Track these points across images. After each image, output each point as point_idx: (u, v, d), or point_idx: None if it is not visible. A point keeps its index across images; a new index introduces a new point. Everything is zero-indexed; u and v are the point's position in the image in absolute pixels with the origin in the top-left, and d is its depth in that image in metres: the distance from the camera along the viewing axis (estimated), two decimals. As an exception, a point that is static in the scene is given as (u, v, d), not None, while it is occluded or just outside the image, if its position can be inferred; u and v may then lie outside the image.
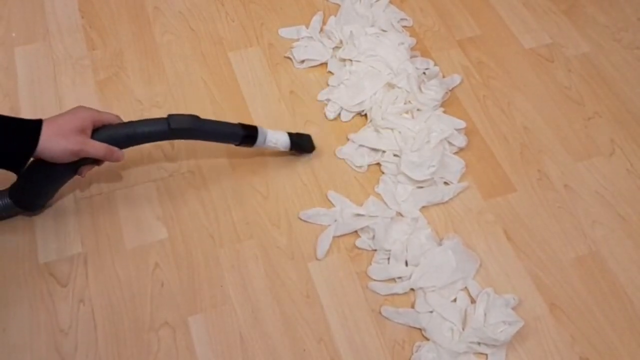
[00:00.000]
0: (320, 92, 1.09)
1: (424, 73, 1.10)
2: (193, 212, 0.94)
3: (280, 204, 0.96)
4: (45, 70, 1.09)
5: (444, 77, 1.13)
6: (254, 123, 1.04)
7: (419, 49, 1.17)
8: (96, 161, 0.85)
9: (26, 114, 1.02)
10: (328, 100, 1.08)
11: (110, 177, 0.97)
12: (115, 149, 0.83)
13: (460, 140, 1.03)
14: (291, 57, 1.14)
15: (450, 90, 1.11)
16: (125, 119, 0.85)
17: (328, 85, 1.10)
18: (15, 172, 0.79)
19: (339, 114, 1.07)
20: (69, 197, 0.94)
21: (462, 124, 1.05)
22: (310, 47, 1.14)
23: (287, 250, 0.92)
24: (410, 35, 1.18)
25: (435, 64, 1.14)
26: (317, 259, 0.90)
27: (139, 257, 0.89)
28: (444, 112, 1.07)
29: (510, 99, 1.12)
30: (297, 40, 1.16)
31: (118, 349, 0.82)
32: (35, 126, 0.76)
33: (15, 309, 0.84)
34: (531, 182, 1.01)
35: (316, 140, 1.03)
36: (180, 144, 1.01)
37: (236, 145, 0.92)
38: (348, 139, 1.03)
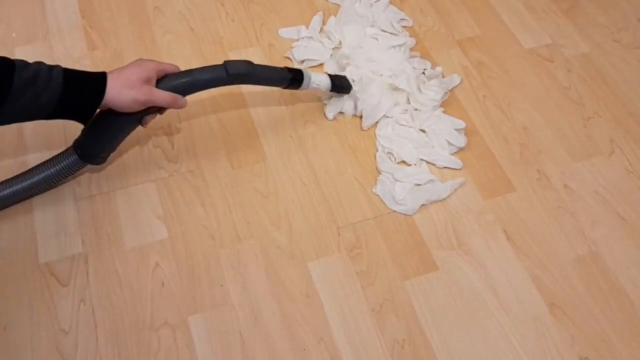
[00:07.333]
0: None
1: (424, 73, 1.11)
2: (193, 211, 0.94)
3: (280, 204, 0.96)
4: (45, 70, 1.08)
5: (443, 77, 1.13)
6: (254, 125, 1.04)
7: (419, 49, 1.17)
8: (159, 110, 0.87)
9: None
10: (328, 99, 1.08)
11: (111, 177, 0.97)
12: (179, 96, 0.85)
13: (460, 141, 1.03)
14: (291, 57, 1.14)
15: (449, 91, 1.11)
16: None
17: (328, 85, 1.11)
18: (83, 123, 0.82)
19: (339, 114, 1.07)
20: (69, 197, 0.94)
21: (461, 124, 1.05)
22: (310, 47, 1.14)
23: (287, 250, 0.92)
24: (410, 36, 1.18)
25: (435, 64, 1.14)
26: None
27: (139, 256, 0.90)
28: (444, 112, 1.07)
29: (510, 99, 1.12)
30: (297, 40, 1.17)
31: (118, 349, 0.82)
32: (100, 78, 0.78)
33: (16, 309, 0.84)
34: (531, 182, 1.01)
35: (316, 140, 1.03)
36: (180, 143, 1.01)
37: (284, 87, 0.97)
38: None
